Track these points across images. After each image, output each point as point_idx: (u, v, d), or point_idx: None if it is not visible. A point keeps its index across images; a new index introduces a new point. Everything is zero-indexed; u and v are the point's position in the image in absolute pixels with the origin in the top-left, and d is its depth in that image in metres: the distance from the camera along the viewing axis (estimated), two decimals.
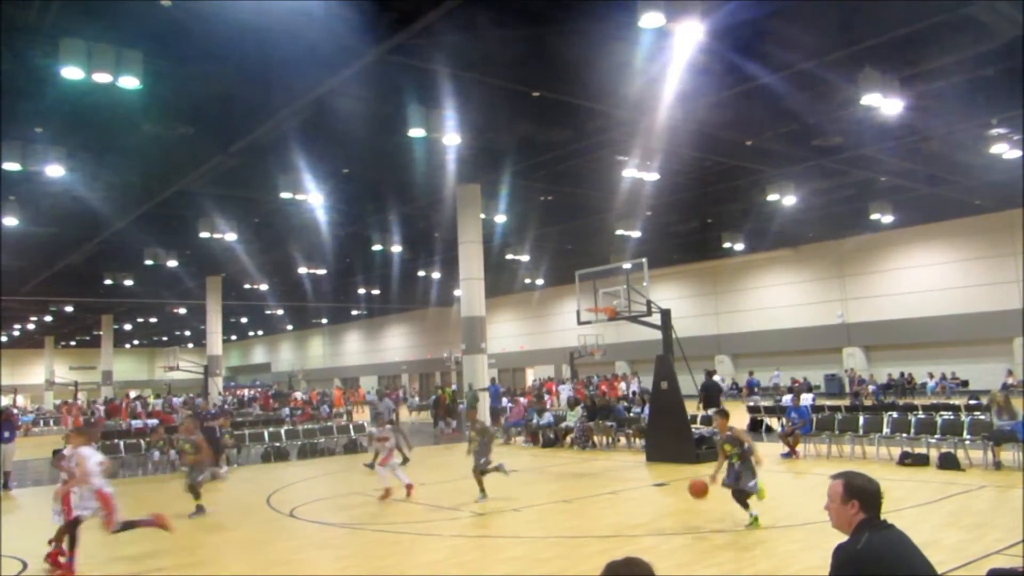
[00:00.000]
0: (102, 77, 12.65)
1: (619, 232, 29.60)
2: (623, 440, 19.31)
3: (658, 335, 16.83)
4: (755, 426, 20.33)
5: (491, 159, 21.05)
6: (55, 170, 17.76)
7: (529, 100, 16.40)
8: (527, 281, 44.39)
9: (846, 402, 23.45)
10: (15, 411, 31.87)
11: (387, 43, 13.11)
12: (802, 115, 18.17)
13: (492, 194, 24.71)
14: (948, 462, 13.18)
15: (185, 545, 9.80)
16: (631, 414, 20.13)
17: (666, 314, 16.75)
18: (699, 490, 9.04)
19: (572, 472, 15.85)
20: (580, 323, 18.84)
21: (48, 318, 52.29)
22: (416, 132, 16.58)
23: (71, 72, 12.46)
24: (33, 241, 26.67)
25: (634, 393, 30.01)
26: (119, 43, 12.60)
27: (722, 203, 27.43)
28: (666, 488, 13.03)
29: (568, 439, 20.04)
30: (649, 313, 16.76)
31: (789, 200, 24.77)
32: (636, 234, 29.59)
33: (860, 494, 3.30)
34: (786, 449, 15.92)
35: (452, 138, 17.19)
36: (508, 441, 21.73)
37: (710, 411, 15.77)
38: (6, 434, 17.31)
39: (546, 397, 28.78)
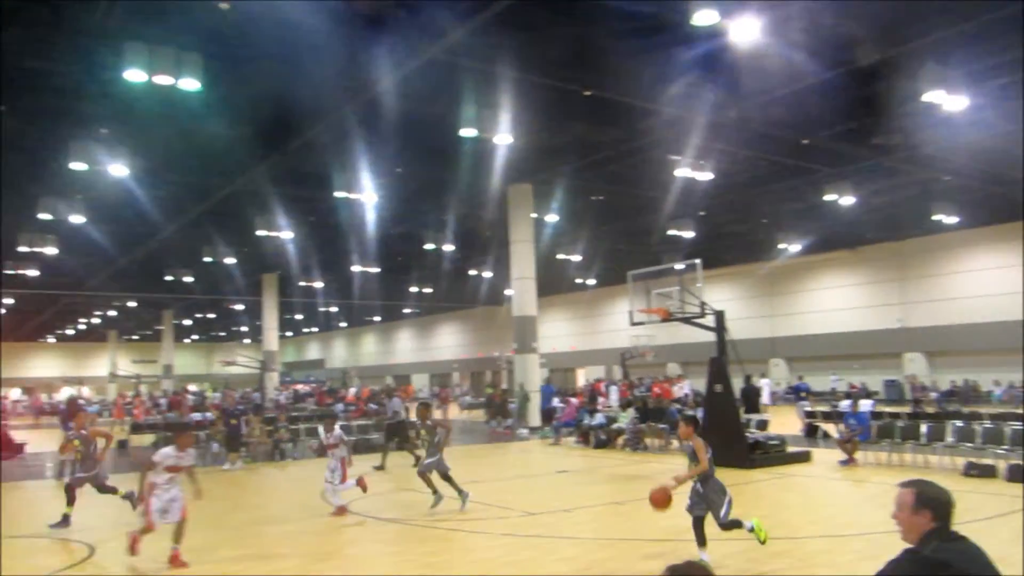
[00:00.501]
0: (163, 79, 12.98)
1: (671, 232, 29.31)
2: (676, 443, 19.10)
3: (711, 337, 16.60)
4: (811, 432, 19.93)
5: (543, 159, 21.03)
6: (119, 170, 18.32)
7: (580, 99, 16.33)
8: (578, 281, 44.23)
9: (907, 409, 22.83)
10: (81, 401, 32.99)
11: (440, 43, 13.19)
12: (861, 113, 17.74)
13: (544, 193, 24.69)
14: (1017, 474, 12.69)
15: (238, 538, 9.99)
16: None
17: (720, 316, 16.51)
18: (659, 500, 7.81)
19: (624, 474, 15.74)
20: (632, 324, 18.70)
21: (112, 313, 53.88)
22: (468, 132, 16.66)
23: (134, 75, 12.81)
24: (98, 238, 27.52)
25: (686, 395, 29.68)
26: (179, 46, 12.91)
27: (777, 203, 26.96)
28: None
29: (620, 440, 19.91)
30: (703, 315, 16.54)
31: (847, 200, 24.22)
32: (689, 234, 29.26)
33: (932, 503, 3.20)
34: (844, 456, 15.56)
35: (504, 138, 17.22)
36: (558, 441, 21.68)
37: (751, 416, 15.50)
38: (70, 424, 17.89)
39: (599, 399, 28.60)
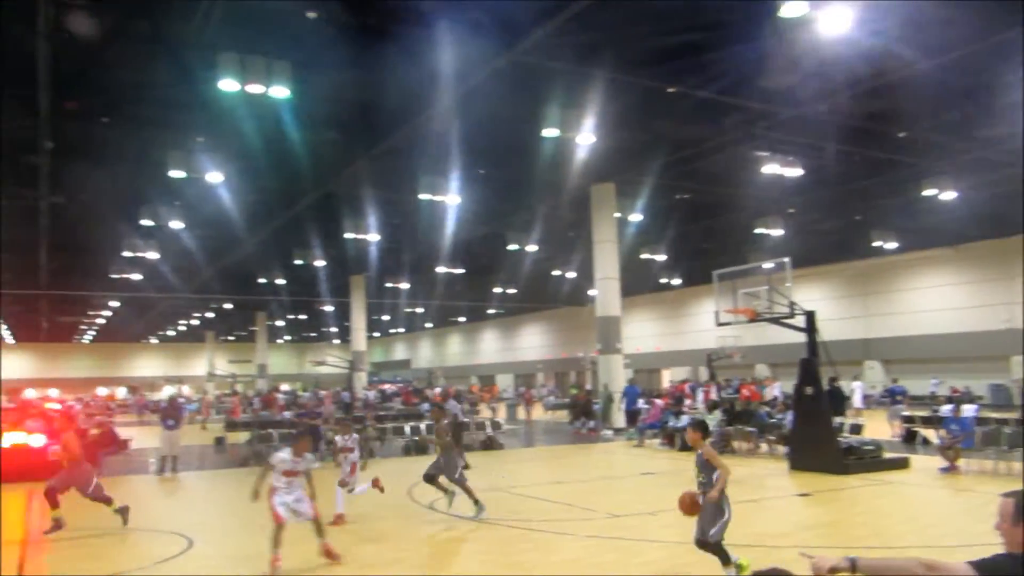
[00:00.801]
0: (255, 88, 13.44)
1: (759, 230, 28.61)
2: (764, 447, 18.63)
3: (801, 338, 16.12)
4: (909, 438, 19.12)
5: (626, 157, 20.85)
6: (214, 177, 19.09)
7: (665, 96, 16.12)
8: (663, 281, 43.67)
9: (1015, 415, 21.62)
10: (181, 400, 34.48)
11: (521, 44, 13.23)
12: (963, 103, 16.92)
13: (627, 193, 24.48)
14: None
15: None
16: (773, 420, 19.38)
17: (810, 316, 16.01)
18: (688, 506, 7.53)
19: None
20: (719, 324, 18.32)
21: (209, 315, 56.11)
22: (550, 132, 16.64)
23: (227, 84, 13.30)
24: (196, 243, 28.72)
25: (775, 398, 28.88)
26: (270, 55, 13.34)
27: (872, 199, 25.97)
28: (811, 499, 12.46)
29: None
30: (792, 315, 16.07)
31: (948, 195, 23.13)
32: (777, 232, 28.49)
33: None
34: (945, 463, 14.85)
35: (586, 137, 17.14)
36: (642, 443, 21.44)
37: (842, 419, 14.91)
38: (170, 421, 18.74)
39: (686, 401, 28.18)
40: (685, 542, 9.41)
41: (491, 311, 61.08)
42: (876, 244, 32.67)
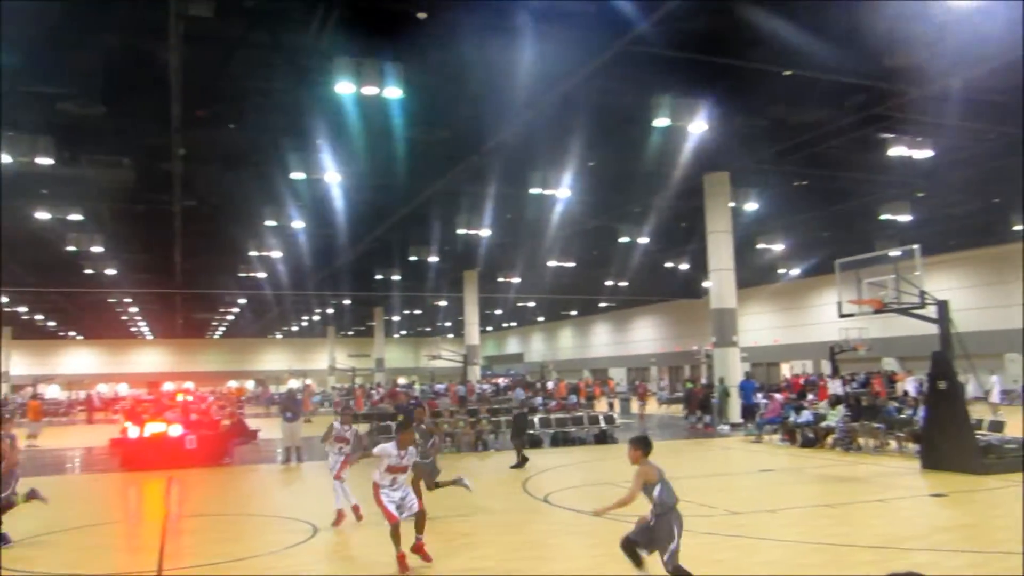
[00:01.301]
0: (370, 90, 13.81)
1: (884, 217, 27.20)
2: (893, 444, 17.74)
3: (933, 330, 15.24)
4: None
5: (740, 145, 20.25)
6: (332, 177, 19.78)
7: (780, 80, 15.55)
8: (781, 271, 42.25)
9: None
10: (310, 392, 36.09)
11: (629, 34, 13.04)
12: None
13: (742, 181, 23.79)
14: None
15: (442, 529, 10.39)
16: (902, 415, 18.43)
17: (943, 306, 15.11)
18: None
19: (834, 475, 14.84)
20: (841, 316, 17.60)
21: (330, 311, 58.25)
22: (661, 121, 16.36)
23: (343, 87, 13.73)
24: (316, 241, 29.85)
25: (905, 393, 27.43)
26: (383, 57, 13.67)
27: (1011, 180, 24.20)
28: (945, 500, 11.78)
29: (829, 440, 18.79)
30: (922, 305, 15.23)
31: None
32: (905, 218, 27.01)
33: None
34: None
35: (698, 125, 16.74)
36: (760, 439, 20.81)
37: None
38: (289, 414, 19.60)
39: (808, 395, 27.11)
40: (807, 541, 9.09)
41: (603, 304, 60.71)
42: (1017, 228, 30.49)
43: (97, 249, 27.31)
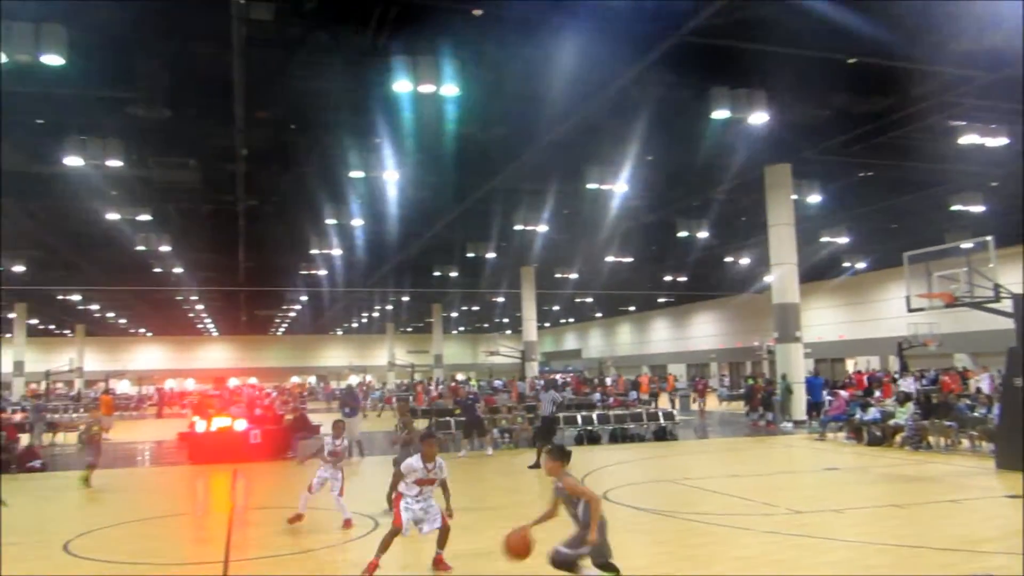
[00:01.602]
0: (427, 88, 13.89)
1: (955, 207, 26.27)
2: (965, 443, 17.13)
3: (1008, 324, 14.66)
4: None
5: (802, 136, 19.77)
6: (391, 175, 19.98)
7: (844, 69, 15.13)
8: (846, 265, 41.17)
9: None
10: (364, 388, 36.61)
11: (686, 26, 12.84)
12: None
13: (804, 173, 23.23)
14: None
15: (504, 524, 10.39)
16: (975, 413, 17.78)
17: (1019, 300, 14.52)
18: (517, 547, 6.38)
19: (903, 475, 14.39)
20: (910, 310, 17.08)
21: (389, 307, 58.93)
22: (720, 114, 16.08)
23: (401, 86, 13.84)
24: (375, 239, 30.20)
25: (979, 390, 26.49)
26: (440, 55, 13.73)
27: None
28: (1021, 501, 11.31)
29: (897, 438, 18.24)
30: (997, 299, 14.68)
31: None
32: (978, 209, 26.04)
33: None
34: None
35: (759, 116, 16.40)
36: (824, 436, 20.32)
37: None
38: (347, 409, 19.88)
39: (875, 392, 26.39)
40: (874, 542, 8.84)
41: (662, 300, 60.12)
42: None
43: (165, 248, 28.14)
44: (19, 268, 32.14)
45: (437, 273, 39.33)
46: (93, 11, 12.32)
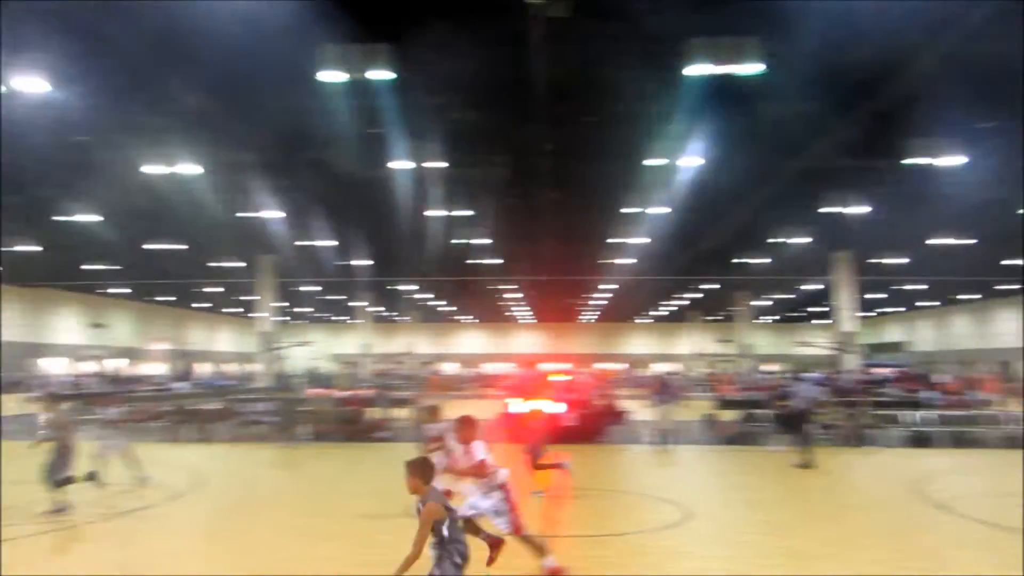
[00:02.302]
0: (726, 68, 13.39)
1: None
2: None
3: None
4: None
5: None
6: (689, 161, 19.66)
7: None
8: None
9: None
10: (676, 377, 36.41)
11: None
12: None
13: None
14: None
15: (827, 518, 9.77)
16: None
17: None
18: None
19: None
20: None
21: (690, 296, 58.29)
22: None
23: (698, 69, 13.49)
24: (677, 227, 29.85)
25: None
26: (739, 33, 13.13)
27: None
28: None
29: None
30: None
31: None
32: None
33: None
34: None
35: None
36: None
37: None
38: (658, 397, 19.91)
39: None
40: None
41: (1003, 288, 52.40)
42: None
43: (482, 241, 30.36)
44: (366, 262, 36.75)
45: (741, 260, 38.07)
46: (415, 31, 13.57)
